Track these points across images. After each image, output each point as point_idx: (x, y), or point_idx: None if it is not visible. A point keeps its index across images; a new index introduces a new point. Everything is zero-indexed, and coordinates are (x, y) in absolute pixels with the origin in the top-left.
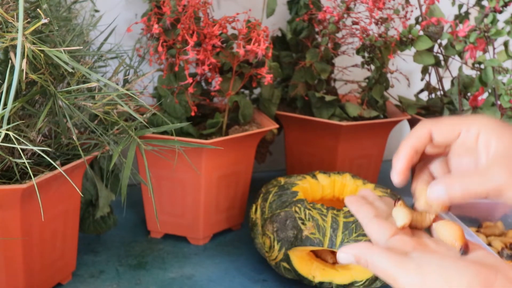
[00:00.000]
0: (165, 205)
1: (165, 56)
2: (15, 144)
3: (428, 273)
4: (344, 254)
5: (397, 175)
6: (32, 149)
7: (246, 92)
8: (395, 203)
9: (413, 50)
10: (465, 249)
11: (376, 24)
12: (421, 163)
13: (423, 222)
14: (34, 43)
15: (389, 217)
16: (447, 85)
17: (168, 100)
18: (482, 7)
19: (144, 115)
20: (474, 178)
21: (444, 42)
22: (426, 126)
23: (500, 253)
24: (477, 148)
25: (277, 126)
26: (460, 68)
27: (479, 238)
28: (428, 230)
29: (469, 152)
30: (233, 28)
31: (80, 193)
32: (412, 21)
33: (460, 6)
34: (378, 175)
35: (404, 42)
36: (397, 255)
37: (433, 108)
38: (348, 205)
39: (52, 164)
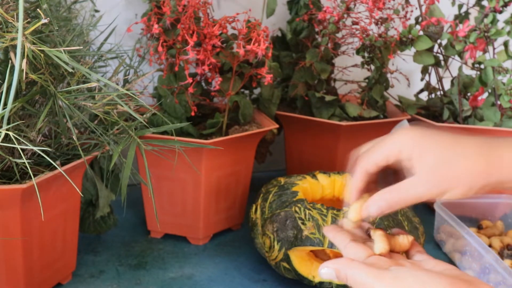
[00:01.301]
0: (165, 205)
1: (165, 56)
2: (15, 144)
3: (405, 283)
4: (326, 269)
5: (355, 217)
6: (32, 149)
7: (246, 92)
8: (373, 230)
9: (413, 50)
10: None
11: (376, 24)
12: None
13: (401, 246)
14: (34, 43)
15: (367, 242)
16: (447, 85)
17: (168, 100)
18: (482, 7)
19: (144, 115)
20: (394, 193)
21: (444, 42)
22: (361, 168)
23: (500, 253)
24: (406, 162)
25: (277, 126)
26: (460, 68)
27: (479, 238)
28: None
29: (400, 164)
30: (233, 28)
31: (80, 193)
32: (412, 21)
33: (460, 6)
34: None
35: (404, 42)
36: (374, 269)
37: (433, 108)
38: (326, 233)
39: (52, 164)
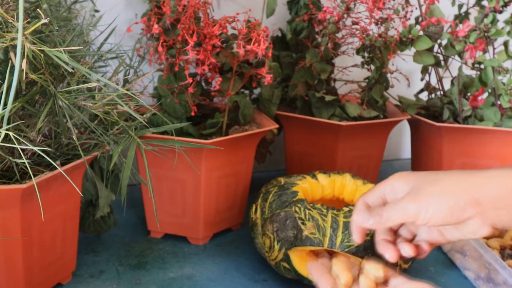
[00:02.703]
0: (165, 205)
1: (165, 56)
2: (15, 144)
3: None
4: None
5: (358, 239)
6: (32, 149)
7: (246, 92)
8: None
9: (413, 50)
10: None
11: (376, 24)
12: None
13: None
14: (34, 43)
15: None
16: (447, 85)
17: (168, 100)
18: (482, 7)
19: (144, 115)
20: (391, 208)
21: (444, 42)
22: (360, 200)
23: (501, 253)
24: (396, 195)
25: (277, 126)
26: (460, 68)
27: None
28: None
29: (393, 200)
30: (233, 28)
31: (80, 193)
32: (412, 21)
33: (460, 6)
34: (378, 175)
35: (404, 42)
36: None
37: (433, 108)
38: (309, 271)
39: (52, 164)
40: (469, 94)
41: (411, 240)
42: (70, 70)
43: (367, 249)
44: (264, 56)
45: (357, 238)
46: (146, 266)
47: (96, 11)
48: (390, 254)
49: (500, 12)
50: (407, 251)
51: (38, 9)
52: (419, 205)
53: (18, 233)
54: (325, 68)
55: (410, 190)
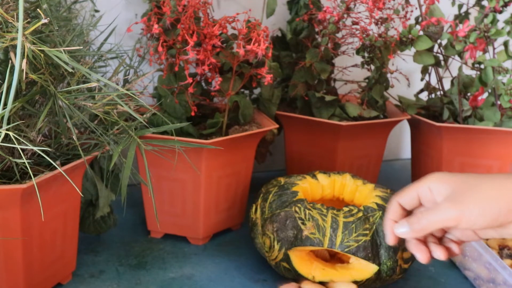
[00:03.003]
0: (165, 205)
1: (165, 56)
2: (15, 144)
3: None
4: None
5: (391, 241)
6: (32, 149)
7: (246, 92)
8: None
9: (413, 50)
10: None
11: (376, 24)
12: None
13: None
14: (34, 43)
15: None
16: (447, 85)
17: (168, 100)
18: (482, 7)
19: (144, 115)
20: (430, 213)
21: (444, 42)
22: (394, 200)
23: (499, 253)
24: (433, 197)
25: (277, 126)
26: (460, 68)
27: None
28: None
29: (430, 202)
30: (233, 28)
31: (80, 193)
32: (412, 21)
33: (460, 6)
34: (378, 175)
35: (404, 42)
36: None
37: (433, 108)
38: None
39: (52, 164)
40: (469, 94)
41: (441, 238)
42: (70, 70)
43: (366, 249)
44: (264, 56)
45: (391, 240)
46: (146, 266)
47: (96, 11)
48: (422, 256)
49: (500, 12)
50: (439, 254)
51: (38, 9)
52: (461, 211)
53: (18, 233)
54: (325, 68)
55: (450, 194)
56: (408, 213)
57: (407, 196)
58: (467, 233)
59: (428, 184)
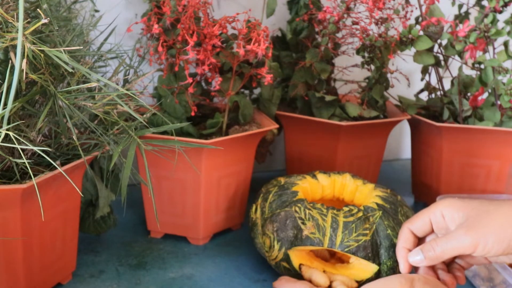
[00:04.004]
0: (165, 205)
1: (165, 56)
2: (15, 144)
3: None
4: None
5: (405, 269)
6: (32, 149)
7: (246, 92)
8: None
9: (413, 50)
10: None
11: (376, 24)
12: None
13: None
14: (34, 43)
15: None
16: (447, 85)
17: (168, 100)
18: (482, 7)
19: (144, 115)
20: (444, 241)
21: (444, 42)
22: (405, 227)
23: None
24: (446, 223)
25: (277, 126)
26: (460, 68)
27: None
28: None
29: (443, 229)
30: (233, 28)
31: (80, 193)
32: (412, 21)
33: (460, 6)
34: (378, 175)
35: (404, 42)
36: None
37: (433, 108)
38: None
39: (52, 164)
40: (469, 94)
41: (450, 263)
42: (70, 70)
43: (366, 249)
44: (264, 56)
45: (405, 269)
46: (146, 266)
47: (96, 11)
48: None
49: (500, 12)
50: (448, 284)
51: (38, 9)
52: (476, 239)
53: (18, 233)
54: (325, 68)
55: (465, 221)
56: (419, 239)
57: (418, 222)
58: (478, 259)
59: (441, 210)
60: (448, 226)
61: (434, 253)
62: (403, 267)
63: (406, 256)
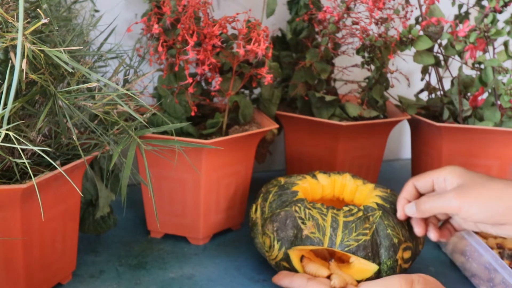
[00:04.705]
0: (165, 205)
1: (165, 56)
2: (15, 144)
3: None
4: None
5: (400, 217)
6: (32, 149)
7: (246, 92)
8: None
9: (413, 50)
10: None
11: (376, 24)
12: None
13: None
14: (34, 43)
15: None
16: (447, 85)
17: (168, 100)
18: (482, 7)
19: (144, 115)
20: (435, 199)
21: (444, 42)
22: (411, 182)
23: (501, 254)
24: (445, 186)
25: (277, 126)
26: (460, 68)
27: (479, 238)
28: None
29: (442, 190)
30: (233, 28)
31: (80, 193)
32: (412, 21)
33: (460, 6)
34: (378, 175)
35: (404, 42)
36: None
37: (433, 108)
38: (278, 282)
39: (52, 164)
40: (469, 94)
41: (445, 221)
42: (70, 70)
43: (366, 248)
44: (264, 56)
45: (400, 216)
46: (146, 266)
47: (96, 11)
48: (418, 230)
49: (500, 12)
50: (431, 236)
51: (38, 9)
52: (462, 202)
53: (18, 233)
54: (325, 68)
55: (458, 187)
56: (420, 195)
57: (423, 180)
58: (468, 223)
59: (445, 174)
60: (447, 189)
61: (424, 207)
62: (399, 214)
63: (404, 206)
